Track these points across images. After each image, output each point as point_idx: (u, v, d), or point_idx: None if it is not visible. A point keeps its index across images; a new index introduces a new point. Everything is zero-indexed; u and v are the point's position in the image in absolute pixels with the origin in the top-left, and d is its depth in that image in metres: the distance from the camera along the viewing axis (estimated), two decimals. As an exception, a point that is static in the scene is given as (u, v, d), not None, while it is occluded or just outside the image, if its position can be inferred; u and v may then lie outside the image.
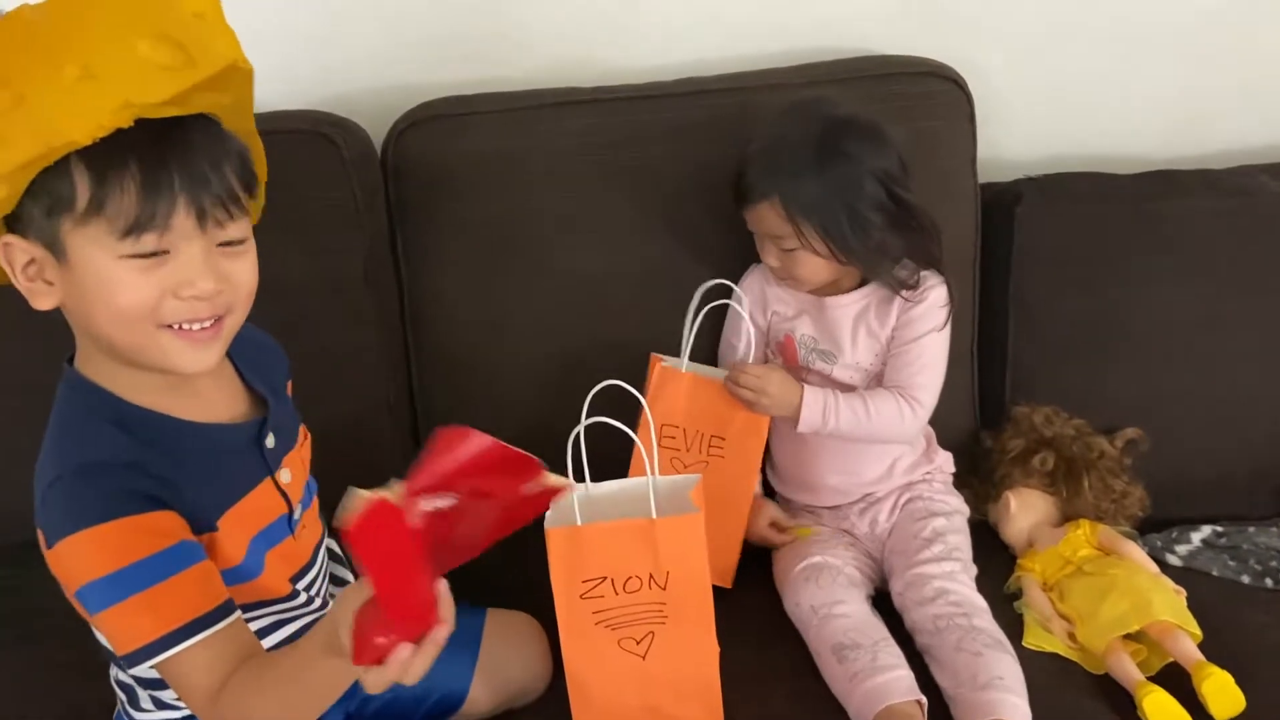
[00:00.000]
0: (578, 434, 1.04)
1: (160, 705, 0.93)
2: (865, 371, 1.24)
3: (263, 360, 0.96)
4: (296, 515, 0.94)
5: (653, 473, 0.99)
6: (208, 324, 0.82)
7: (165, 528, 0.80)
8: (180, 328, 0.81)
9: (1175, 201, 1.37)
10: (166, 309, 0.80)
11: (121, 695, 0.96)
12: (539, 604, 1.08)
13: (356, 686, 1.00)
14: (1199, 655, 1.08)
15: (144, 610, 0.79)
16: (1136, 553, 1.23)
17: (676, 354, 1.26)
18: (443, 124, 1.32)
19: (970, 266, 1.37)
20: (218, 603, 0.81)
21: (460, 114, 1.33)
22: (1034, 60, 1.47)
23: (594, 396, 1.06)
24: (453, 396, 1.38)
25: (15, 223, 0.78)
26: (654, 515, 0.97)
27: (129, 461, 0.81)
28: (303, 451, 0.98)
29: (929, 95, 1.32)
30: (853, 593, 1.16)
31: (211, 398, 0.90)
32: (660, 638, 1.00)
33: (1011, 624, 1.15)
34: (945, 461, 1.31)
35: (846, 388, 1.22)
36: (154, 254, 0.78)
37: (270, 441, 0.92)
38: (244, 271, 0.83)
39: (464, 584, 1.24)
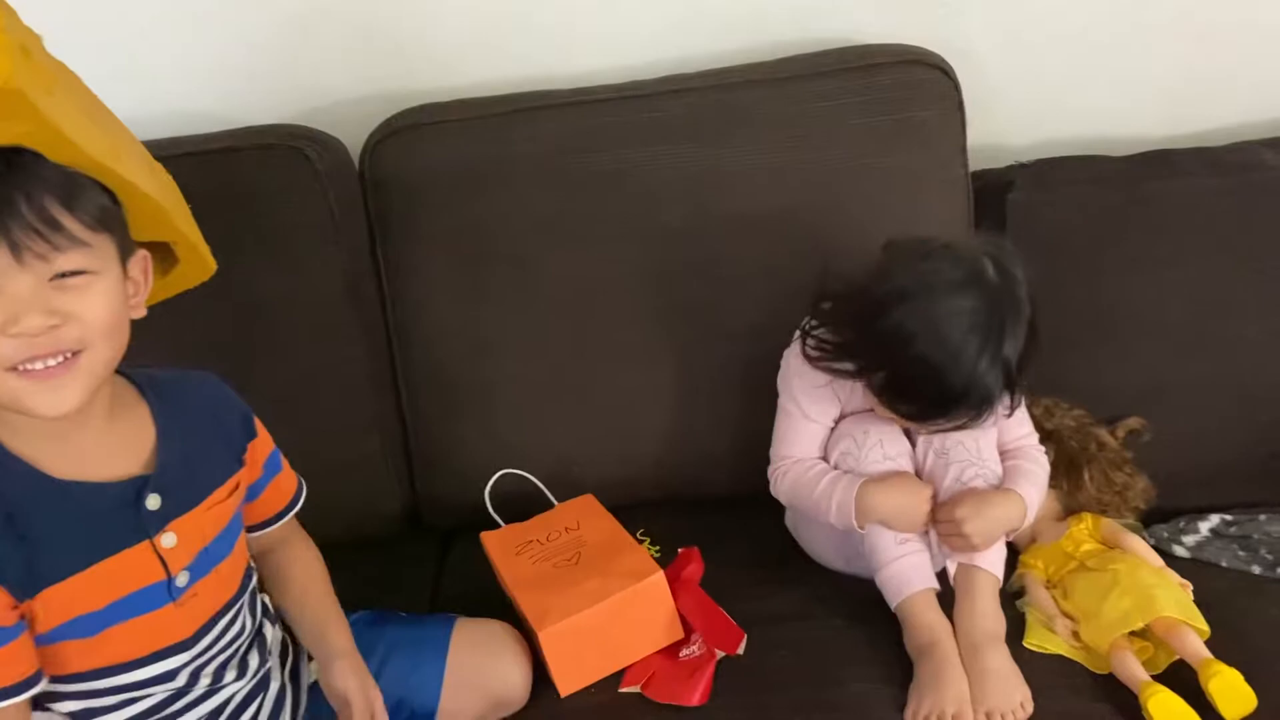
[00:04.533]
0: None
1: None
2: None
3: (203, 413, 0.94)
4: (181, 583, 0.90)
5: None
6: (53, 363, 0.79)
7: None
8: (25, 369, 0.78)
9: (1173, 181, 1.34)
10: (2, 350, 0.77)
11: None
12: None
13: (318, 708, 1.01)
14: (1206, 652, 1.05)
15: None
16: (1139, 545, 1.20)
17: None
18: (420, 133, 1.30)
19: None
20: (6, 683, 0.82)
21: (437, 122, 1.31)
22: (1023, 42, 1.43)
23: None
24: (443, 411, 1.37)
25: None
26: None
27: None
28: (219, 510, 0.94)
29: (915, 84, 1.29)
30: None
31: (89, 451, 0.86)
32: (585, 554, 1.18)
33: (1013, 623, 1.13)
34: None
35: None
36: None
37: (153, 503, 0.88)
38: (89, 305, 0.79)
39: (439, 598, 1.27)
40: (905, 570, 1.13)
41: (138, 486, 0.87)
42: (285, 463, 1.05)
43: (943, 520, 1.14)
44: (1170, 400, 1.33)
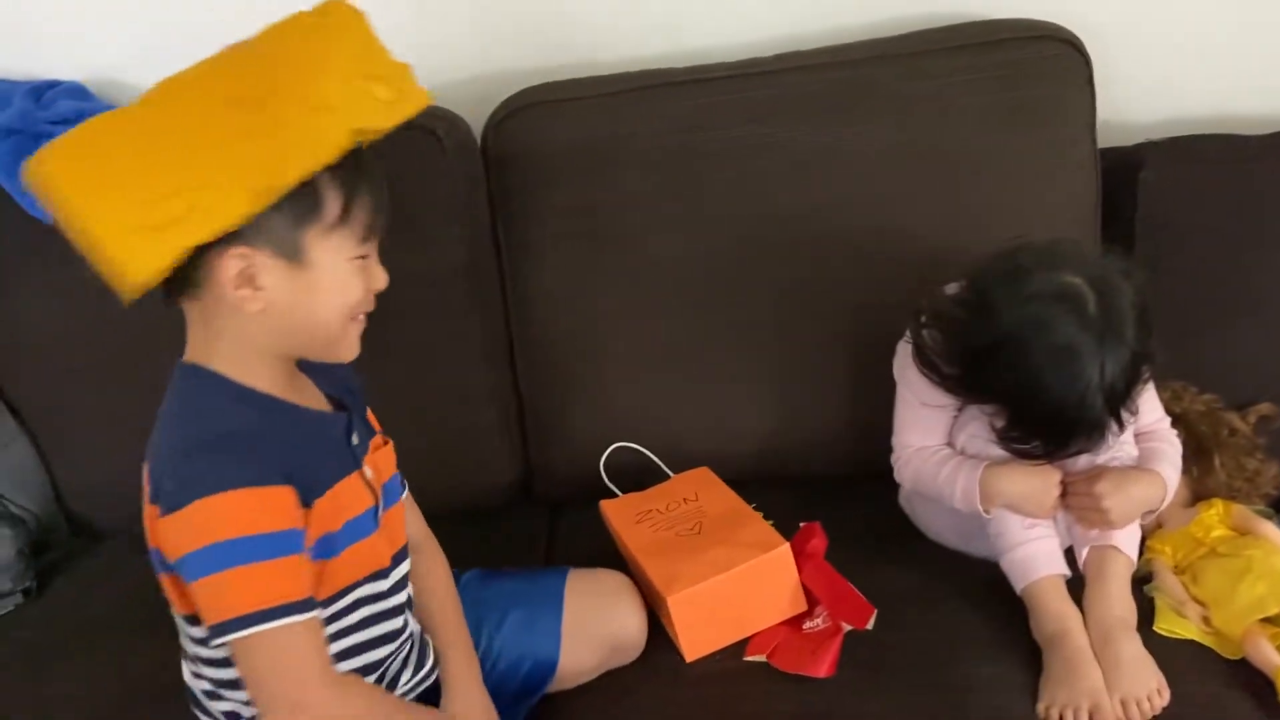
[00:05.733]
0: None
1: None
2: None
3: (334, 372, 1.02)
4: (380, 509, 0.99)
5: None
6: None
7: (287, 506, 0.87)
8: (357, 319, 0.94)
9: (1312, 161, 1.30)
10: (364, 303, 0.94)
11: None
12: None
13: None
14: (1344, 640, 1.04)
15: (261, 578, 0.85)
16: (1274, 532, 1.18)
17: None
18: (540, 112, 1.32)
19: (1091, 237, 1.31)
20: (310, 593, 0.88)
21: (557, 101, 1.33)
22: (1155, 15, 1.39)
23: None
24: (556, 385, 1.39)
25: (237, 237, 0.86)
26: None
27: (258, 433, 0.89)
28: (383, 454, 1.03)
29: (1044, 60, 1.27)
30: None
31: (309, 395, 0.98)
32: (706, 524, 1.20)
33: (1143, 608, 1.12)
34: None
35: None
36: (364, 257, 0.92)
37: (355, 438, 0.99)
38: None
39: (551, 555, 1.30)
40: (1033, 554, 1.12)
41: (346, 420, 0.98)
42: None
43: (1081, 494, 1.12)
44: (1302, 386, 1.30)
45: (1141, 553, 1.19)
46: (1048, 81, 1.26)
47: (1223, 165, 1.31)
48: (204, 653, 0.95)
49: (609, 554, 1.25)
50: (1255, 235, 1.29)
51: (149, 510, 0.89)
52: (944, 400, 1.16)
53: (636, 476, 1.36)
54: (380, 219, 0.92)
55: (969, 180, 1.29)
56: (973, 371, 1.09)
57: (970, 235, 1.25)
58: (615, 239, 1.33)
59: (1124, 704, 1.01)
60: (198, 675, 0.99)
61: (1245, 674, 1.06)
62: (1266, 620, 1.07)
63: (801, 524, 1.25)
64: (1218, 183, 1.30)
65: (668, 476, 1.35)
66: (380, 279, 0.95)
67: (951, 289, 1.14)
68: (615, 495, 1.34)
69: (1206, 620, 1.11)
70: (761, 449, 1.39)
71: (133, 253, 0.82)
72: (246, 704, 0.95)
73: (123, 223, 0.81)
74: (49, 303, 1.37)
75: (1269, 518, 1.22)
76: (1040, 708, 1.03)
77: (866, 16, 1.38)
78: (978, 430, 1.16)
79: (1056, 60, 1.27)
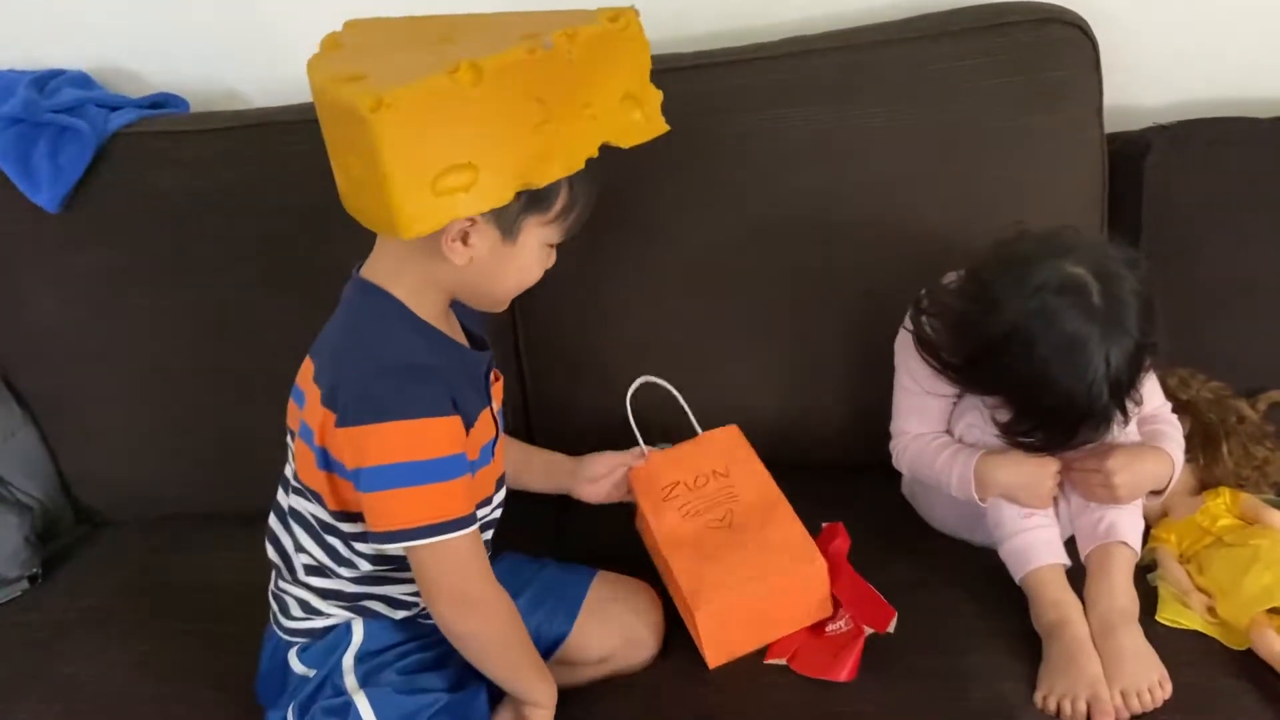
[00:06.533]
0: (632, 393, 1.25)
1: (309, 610, 1.08)
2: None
3: (470, 309, 1.08)
4: (496, 441, 1.08)
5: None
6: None
7: (457, 434, 0.96)
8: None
9: (1321, 144, 1.28)
10: (536, 280, 1.03)
11: (275, 606, 1.11)
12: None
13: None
14: (1352, 630, 1.02)
15: (434, 498, 0.94)
16: (1282, 521, 1.17)
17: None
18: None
19: (1098, 223, 1.30)
20: (472, 509, 0.98)
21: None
22: (1163, -2, 1.38)
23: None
24: (562, 374, 1.39)
25: None
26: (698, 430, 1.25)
27: (435, 365, 0.97)
28: (497, 389, 1.10)
29: (1050, 43, 1.25)
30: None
31: (456, 329, 1.06)
32: (737, 514, 1.16)
33: (1146, 597, 1.11)
34: None
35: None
36: (552, 245, 1.01)
37: (492, 376, 1.08)
38: None
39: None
40: (1031, 543, 1.11)
41: (489, 360, 1.07)
42: None
43: (1090, 470, 1.11)
44: (1314, 372, 1.29)
45: (1146, 541, 1.18)
46: (1054, 65, 1.24)
47: (1231, 148, 1.29)
48: (341, 529, 1.02)
49: (616, 539, 1.25)
50: (1264, 219, 1.28)
51: (319, 411, 0.97)
52: (944, 388, 1.15)
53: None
54: (583, 221, 1.00)
55: (975, 164, 1.28)
56: (977, 364, 1.08)
57: (977, 219, 1.24)
58: (621, 223, 1.32)
59: (1124, 696, 1.00)
60: (305, 550, 1.06)
61: (1250, 665, 1.04)
62: (1273, 610, 1.06)
63: (824, 524, 1.23)
64: (1226, 166, 1.28)
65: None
66: (552, 260, 1.03)
67: (950, 278, 1.13)
68: (639, 443, 1.26)
69: (1211, 610, 1.10)
70: (768, 435, 1.37)
71: (412, 208, 0.88)
72: (352, 581, 1.05)
73: (416, 180, 0.87)
74: (55, 291, 1.38)
75: (1278, 507, 1.20)
76: (1038, 696, 1.02)
77: (872, 2, 1.36)
78: (976, 419, 1.15)
79: (1063, 43, 1.26)
